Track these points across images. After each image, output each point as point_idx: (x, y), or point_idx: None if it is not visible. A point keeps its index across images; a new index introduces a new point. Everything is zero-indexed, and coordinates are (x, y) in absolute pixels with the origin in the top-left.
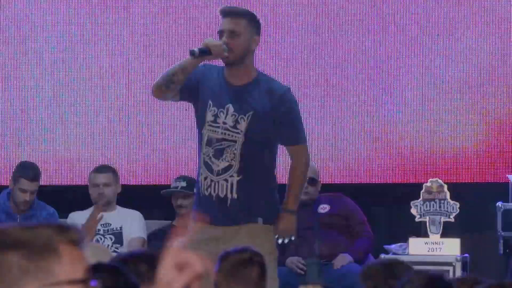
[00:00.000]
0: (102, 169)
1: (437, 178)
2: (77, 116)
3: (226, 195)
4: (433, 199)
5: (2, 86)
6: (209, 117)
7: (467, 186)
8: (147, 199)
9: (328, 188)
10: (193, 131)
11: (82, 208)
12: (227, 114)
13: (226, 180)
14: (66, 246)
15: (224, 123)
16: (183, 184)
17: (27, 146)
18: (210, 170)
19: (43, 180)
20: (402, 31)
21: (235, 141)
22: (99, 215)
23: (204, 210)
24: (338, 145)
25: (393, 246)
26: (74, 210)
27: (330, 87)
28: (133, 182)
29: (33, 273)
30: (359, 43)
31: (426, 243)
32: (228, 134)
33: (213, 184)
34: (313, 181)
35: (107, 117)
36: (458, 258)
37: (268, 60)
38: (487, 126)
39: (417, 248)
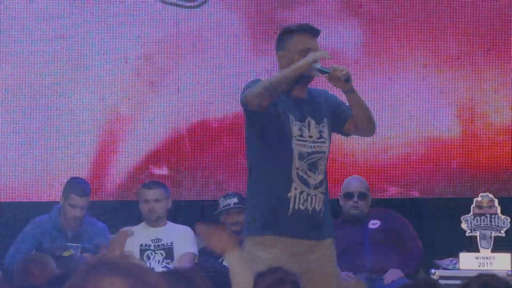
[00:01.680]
0: (152, 185)
1: (487, 193)
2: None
3: (321, 208)
4: (484, 214)
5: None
6: (296, 131)
7: None
8: (197, 214)
9: (378, 203)
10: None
11: (134, 223)
12: (309, 126)
13: (322, 193)
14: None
15: (310, 136)
16: (235, 200)
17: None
18: (307, 184)
19: (95, 196)
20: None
21: (324, 152)
22: (129, 232)
23: (295, 226)
24: (389, 160)
25: (443, 261)
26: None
27: (379, 104)
28: (183, 197)
29: None
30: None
31: (477, 258)
32: (317, 146)
33: (309, 198)
34: (364, 196)
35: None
36: (509, 273)
37: None
38: None
39: (468, 263)
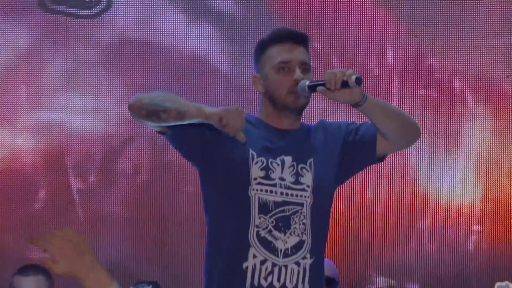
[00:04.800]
0: (28, 271)
1: (507, 282)
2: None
3: (296, 285)
4: None
5: None
6: (256, 172)
7: None
8: None
9: None
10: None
11: None
12: (283, 166)
13: (298, 264)
14: None
15: (282, 178)
16: None
17: None
18: (272, 249)
19: None
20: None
21: (302, 204)
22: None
23: None
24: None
25: None
26: None
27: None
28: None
29: None
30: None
31: None
32: (291, 195)
33: (276, 270)
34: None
35: None
36: None
37: None
38: None
39: None
